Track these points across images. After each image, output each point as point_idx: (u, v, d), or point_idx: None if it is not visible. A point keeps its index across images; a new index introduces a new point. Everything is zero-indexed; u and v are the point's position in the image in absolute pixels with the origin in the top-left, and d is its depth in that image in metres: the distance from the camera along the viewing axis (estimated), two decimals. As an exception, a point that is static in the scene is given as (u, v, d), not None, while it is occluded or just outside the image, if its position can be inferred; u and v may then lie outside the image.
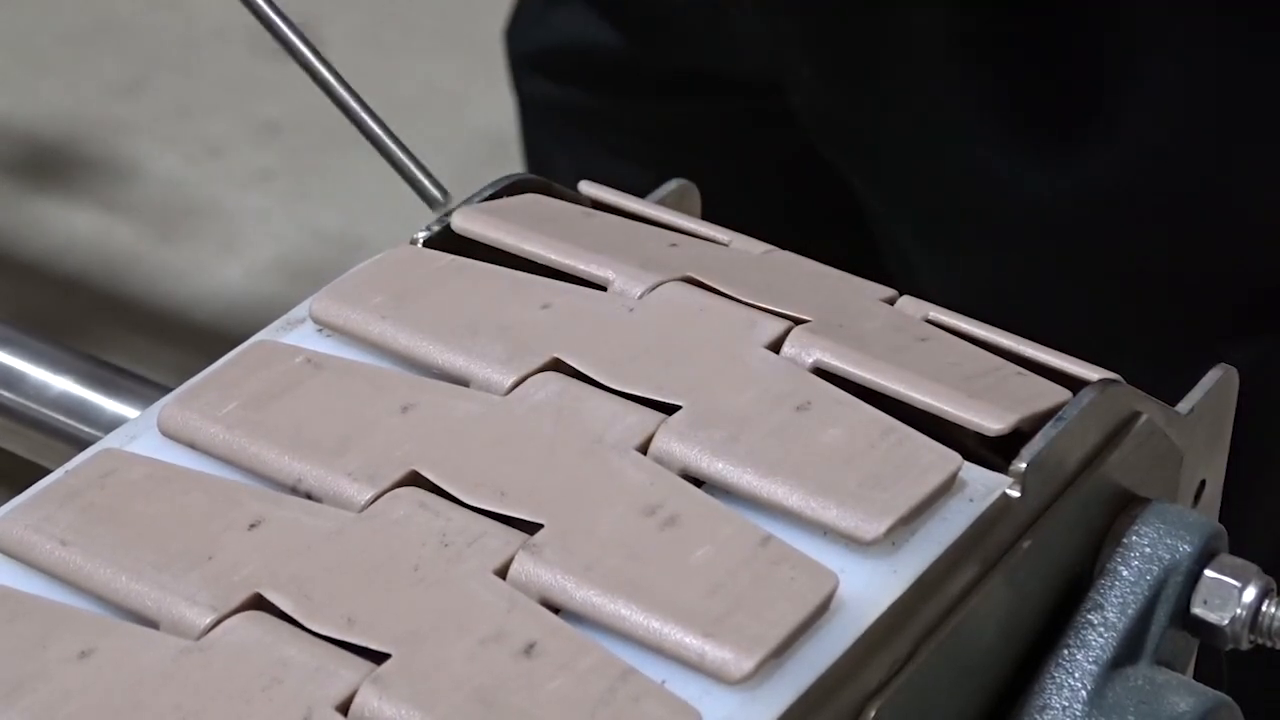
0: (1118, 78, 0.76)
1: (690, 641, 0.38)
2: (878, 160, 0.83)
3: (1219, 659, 0.47)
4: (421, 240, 0.50)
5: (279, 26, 0.52)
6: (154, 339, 1.80)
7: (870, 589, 0.40)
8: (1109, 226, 0.78)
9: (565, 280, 0.47)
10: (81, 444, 0.49)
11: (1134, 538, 0.45)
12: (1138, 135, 0.77)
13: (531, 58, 0.94)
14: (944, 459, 0.42)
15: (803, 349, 0.45)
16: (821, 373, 0.45)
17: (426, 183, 0.50)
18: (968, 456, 0.43)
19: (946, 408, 0.44)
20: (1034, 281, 0.81)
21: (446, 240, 0.50)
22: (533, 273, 0.48)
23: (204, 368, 0.46)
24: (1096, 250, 0.79)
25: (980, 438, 0.44)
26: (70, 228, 1.88)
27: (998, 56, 0.77)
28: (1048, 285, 0.81)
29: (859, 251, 0.87)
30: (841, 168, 0.85)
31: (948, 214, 0.81)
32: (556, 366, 0.45)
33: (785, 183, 0.93)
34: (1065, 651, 0.44)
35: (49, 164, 1.93)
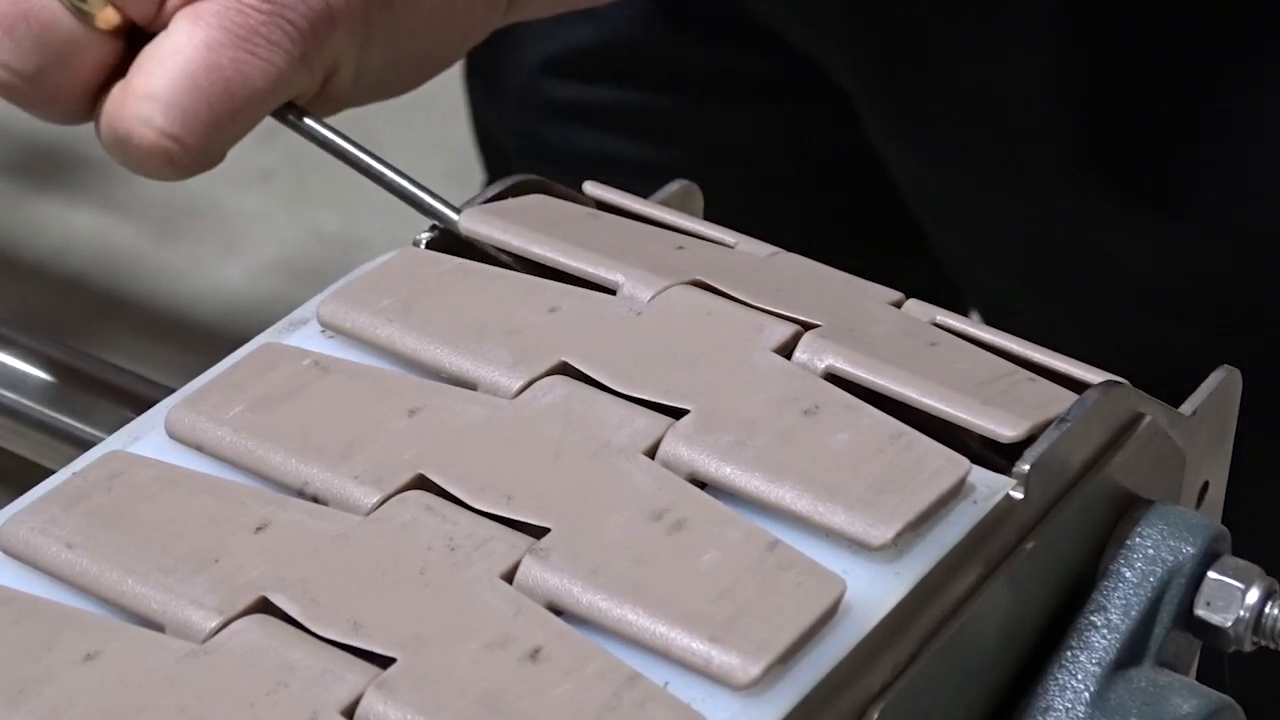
0: (1215, 126, 0.76)
1: (697, 646, 0.38)
2: (964, 216, 0.82)
3: (1221, 661, 0.47)
4: (424, 241, 0.50)
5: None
6: (154, 339, 1.80)
7: (873, 591, 0.40)
8: (1202, 271, 0.78)
9: (572, 283, 0.47)
10: (82, 444, 0.49)
11: (1137, 539, 0.45)
12: (1238, 182, 0.76)
13: (556, 62, 0.92)
14: (952, 464, 0.42)
15: (815, 354, 0.45)
16: (833, 378, 0.45)
17: (438, 205, 0.51)
18: (971, 458, 0.43)
19: (961, 414, 0.44)
20: (1118, 321, 0.80)
21: (448, 241, 0.50)
22: (537, 274, 0.48)
23: (204, 368, 0.46)
24: (1184, 293, 0.79)
25: (983, 439, 0.44)
26: (70, 228, 1.88)
27: (1099, 103, 0.76)
28: (1131, 325, 0.80)
29: (896, 253, 0.87)
30: (922, 221, 0.84)
31: (1038, 261, 0.80)
32: (564, 370, 0.45)
33: (818, 189, 0.92)
34: (1068, 653, 0.44)
35: (49, 164, 1.92)
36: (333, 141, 0.53)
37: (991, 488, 0.43)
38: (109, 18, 0.52)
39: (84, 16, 0.52)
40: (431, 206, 0.51)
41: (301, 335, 0.47)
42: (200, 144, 0.52)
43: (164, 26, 0.52)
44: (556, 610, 0.39)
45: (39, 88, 0.52)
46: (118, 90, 0.52)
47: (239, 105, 0.52)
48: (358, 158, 0.53)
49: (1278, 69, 0.74)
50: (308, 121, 0.54)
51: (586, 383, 0.44)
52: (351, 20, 0.53)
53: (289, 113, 0.54)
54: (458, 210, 0.50)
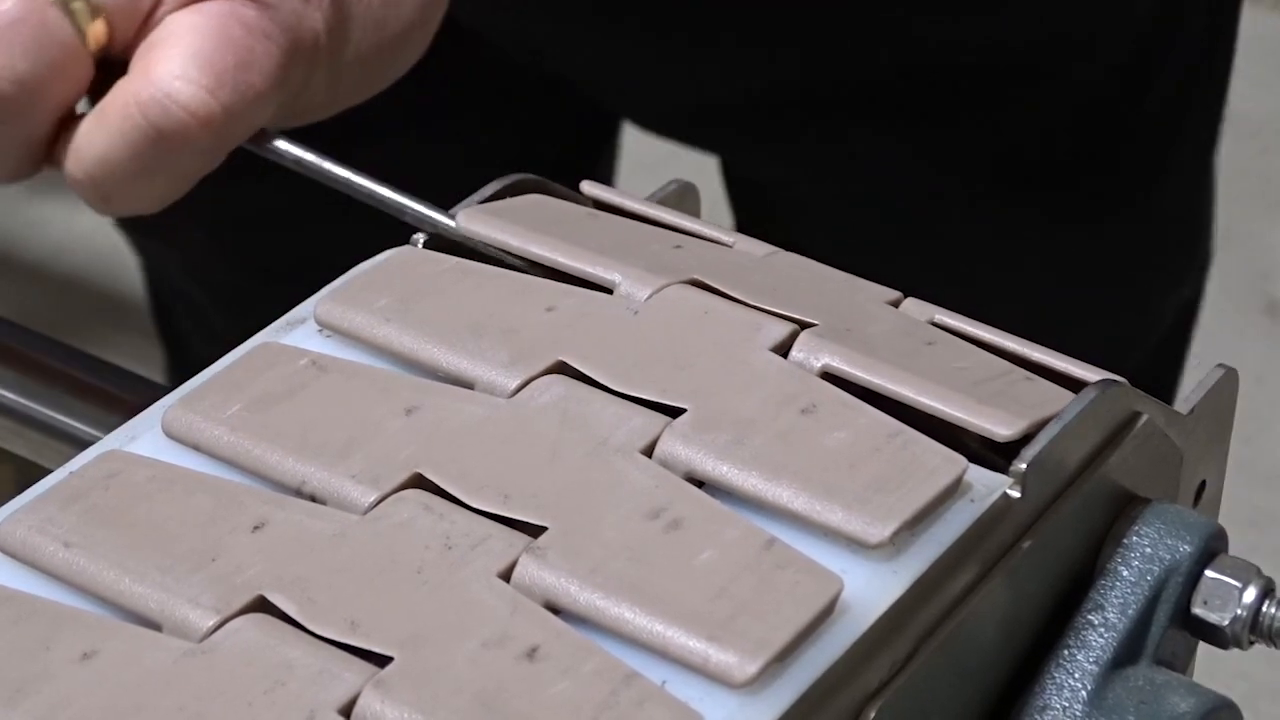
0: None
1: (695, 645, 0.38)
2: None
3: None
4: (421, 241, 0.50)
5: None
6: (154, 339, 1.80)
7: (870, 590, 0.40)
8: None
9: (570, 282, 0.47)
10: (81, 444, 0.50)
11: (1134, 538, 0.45)
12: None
13: None
14: (949, 462, 0.42)
15: (811, 353, 0.45)
16: (830, 377, 0.45)
17: (430, 212, 0.51)
18: (968, 457, 0.43)
19: (957, 413, 0.44)
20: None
21: (445, 241, 0.50)
22: (535, 274, 0.48)
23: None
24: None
25: (981, 438, 0.44)
26: (70, 228, 1.88)
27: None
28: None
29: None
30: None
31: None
32: (561, 369, 0.45)
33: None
34: (1065, 652, 0.44)
35: (49, 164, 1.92)
36: (314, 165, 0.53)
37: (989, 486, 0.43)
38: (98, 33, 0.52)
39: (77, 30, 0.52)
40: (421, 214, 0.50)
41: (299, 334, 0.47)
42: (230, 103, 0.51)
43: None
44: (554, 609, 0.39)
45: (22, 89, 0.52)
46: (122, 84, 0.52)
47: (255, 77, 0.51)
48: (345, 178, 0.53)
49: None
50: (281, 144, 0.54)
51: (584, 382, 0.44)
52: (325, 24, 0.54)
53: (264, 139, 0.54)
54: (451, 215, 0.50)
